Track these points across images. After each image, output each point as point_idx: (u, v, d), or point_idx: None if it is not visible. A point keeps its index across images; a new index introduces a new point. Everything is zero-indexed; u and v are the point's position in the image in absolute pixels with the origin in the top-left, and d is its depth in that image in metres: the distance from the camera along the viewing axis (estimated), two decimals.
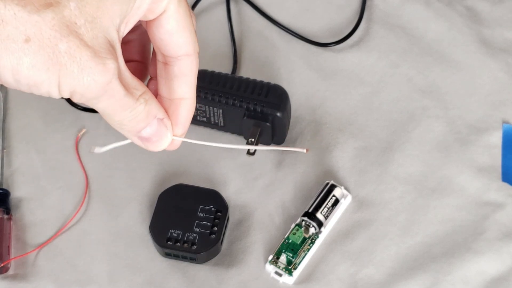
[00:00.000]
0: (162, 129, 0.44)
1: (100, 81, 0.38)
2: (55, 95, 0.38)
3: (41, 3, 0.36)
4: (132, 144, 0.71)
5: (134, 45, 0.46)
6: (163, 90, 0.45)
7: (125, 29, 0.40)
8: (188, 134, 0.71)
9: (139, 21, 0.42)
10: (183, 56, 0.43)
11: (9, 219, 0.66)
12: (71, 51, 0.36)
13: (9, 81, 0.37)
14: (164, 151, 0.71)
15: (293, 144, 0.70)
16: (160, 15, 0.41)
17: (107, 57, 0.38)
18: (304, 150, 0.50)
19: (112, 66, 0.38)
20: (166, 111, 0.45)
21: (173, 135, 0.45)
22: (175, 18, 0.41)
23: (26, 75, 0.36)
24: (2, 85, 0.74)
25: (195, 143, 0.49)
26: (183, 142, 0.47)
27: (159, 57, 0.44)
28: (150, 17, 0.41)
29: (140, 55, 0.47)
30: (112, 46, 0.38)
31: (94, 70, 0.37)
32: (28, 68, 0.36)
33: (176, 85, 0.44)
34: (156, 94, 0.46)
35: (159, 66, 0.44)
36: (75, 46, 0.36)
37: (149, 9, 0.41)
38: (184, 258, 0.64)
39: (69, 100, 0.73)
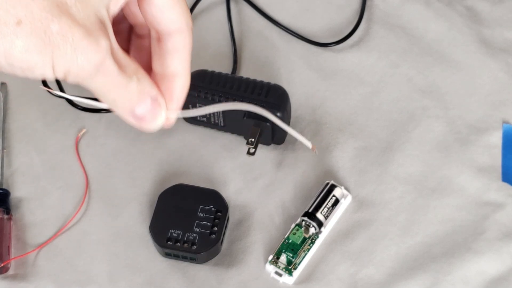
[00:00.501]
0: (155, 107, 0.43)
1: (94, 59, 0.37)
2: (50, 77, 0.38)
3: None
4: (132, 144, 0.71)
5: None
6: (156, 66, 0.44)
7: (115, 8, 0.40)
8: (188, 134, 0.71)
9: None
10: (176, 32, 0.43)
11: (9, 219, 0.66)
12: (63, 31, 0.36)
13: (3, 64, 0.36)
14: (163, 151, 0.71)
15: (293, 145, 0.70)
16: None
17: (99, 35, 0.37)
18: (310, 145, 0.50)
19: (105, 44, 0.38)
20: (159, 88, 0.44)
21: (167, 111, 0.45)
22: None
23: (20, 58, 0.36)
24: (2, 85, 0.74)
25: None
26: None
27: (152, 34, 0.44)
28: None
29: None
30: (103, 24, 0.38)
31: (87, 49, 0.37)
32: (21, 51, 0.36)
33: (170, 61, 0.44)
34: (149, 70, 0.45)
35: (153, 42, 0.44)
36: (67, 26, 0.36)
37: None
38: (184, 258, 0.64)
39: (69, 100, 0.73)
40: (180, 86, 0.45)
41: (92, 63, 0.37)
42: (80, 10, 0.37)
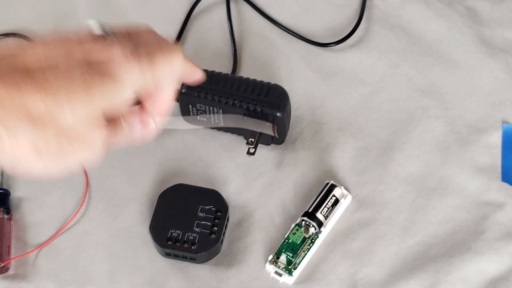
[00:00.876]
0: (145, 127, 0.47)
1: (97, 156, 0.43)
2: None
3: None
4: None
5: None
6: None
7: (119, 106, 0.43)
8: (188, 134, 0.71)
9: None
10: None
11: (10, 219, 0.66)
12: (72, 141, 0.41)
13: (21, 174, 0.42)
14: (163, 151, 0.71)
15: (293, 145, 0.70)
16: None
17: (93, 130, 0.41)
18: (270, 126, 0.51)
19: (98, 137, 0.42)
20: (148, 100, 0.47)
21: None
22: (167, 96, 0.46)
23: (36, 173, 0.41)
24: None
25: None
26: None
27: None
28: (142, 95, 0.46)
29: None
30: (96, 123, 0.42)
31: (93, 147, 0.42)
32: (38, 170, 0.41)
33: (155, 103, 0.47)
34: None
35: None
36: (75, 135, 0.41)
37: (134, 94, 0.44)
38: (184, 258, 0.64)
39: None
40: (167, 102, 0.48)
41: (99, 153, 0.43)
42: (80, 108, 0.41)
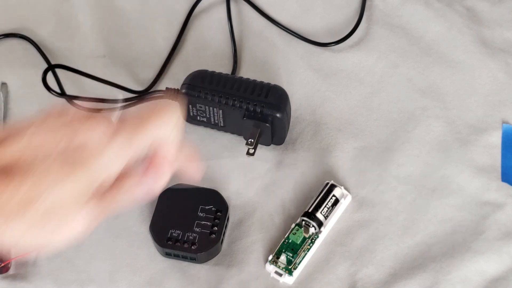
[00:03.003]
0: (153, 179, 0.47)
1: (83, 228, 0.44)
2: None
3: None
4: None
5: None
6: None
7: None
8: (188, 134, 0.71)
9: None
10: None
11: None
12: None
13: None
14: None
15: (293, 145, 0.70)
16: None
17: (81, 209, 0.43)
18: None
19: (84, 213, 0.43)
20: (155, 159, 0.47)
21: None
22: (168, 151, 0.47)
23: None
24: (2, 85, 0.74)
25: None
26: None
27: None
28: None
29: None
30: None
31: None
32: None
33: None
34: None
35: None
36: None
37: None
38: (184, 258, 0.64)
39: (69, 100, 0.73)
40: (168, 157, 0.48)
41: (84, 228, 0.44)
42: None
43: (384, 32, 0.77)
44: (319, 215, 0.64)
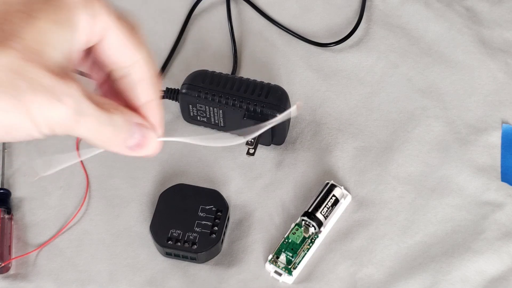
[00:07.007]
0: (145, 131, 0.45)
1: (69, 103, 0.39)
2: (37, 134, 0.39)
3: None
4: None
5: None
6: (130, 102, 0.46)
7: (72, 55, 0.41)
8: (188, 134, 0.71)
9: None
10: (134, 64, 0.44)
11: (10, 219, 0.66)
12: (32, 86, 0.37)
13: None
14: (164, 151, 0.71)
15: (293, 145, 0.70)
16: (104, 36, 0.43)
17: (67, 80, 0.39)
18: (295, 108, 0.50)
19: (75, 86, 0.39)
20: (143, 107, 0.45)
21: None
22: (117, 35, 0.43)
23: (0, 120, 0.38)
24: None
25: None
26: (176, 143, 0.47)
27: (115, 73, 0.45)
28: (95, 40, 0.43)
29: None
30: (66, 72, 0.39)
31: (60, 94, 0.38)
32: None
33: (139, 91, 0.45)
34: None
35: (118, 83, 0.45)
36: (34, 80, 0.38)
37: (90, 36, 0.42)
38: (184, 258, 0.64)
39: None
40: (157, 109, 0.46)
41: (69, 107, 0.39)
42: (42, 62, 0.38)
43: (384, 32, 0.77)
44: (319, 215, 0.65)
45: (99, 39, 0.42)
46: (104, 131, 0.42)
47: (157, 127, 0.46)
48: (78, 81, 0.39)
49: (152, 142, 0.45)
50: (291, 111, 0.51)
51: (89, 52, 0.44)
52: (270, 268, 0.64)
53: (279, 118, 0.51)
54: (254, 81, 0.69)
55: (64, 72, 0.39)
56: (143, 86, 0.45)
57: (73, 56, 0.41)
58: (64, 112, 0.38)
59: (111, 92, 0.46)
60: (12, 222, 0.67)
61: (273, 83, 0.69)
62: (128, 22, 0.44)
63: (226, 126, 0.70)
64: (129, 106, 0.45)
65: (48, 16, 0.39)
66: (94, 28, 0.41)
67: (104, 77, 0.46)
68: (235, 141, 0.49)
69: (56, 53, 0.39)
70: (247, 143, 0.67)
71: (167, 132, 0.71)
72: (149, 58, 0.45)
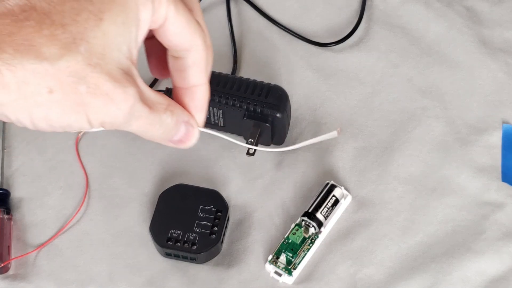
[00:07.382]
0: (190, 129, 0.46)
1: (124, 108, 0.40)
2: (88, 129, 0.41)
3: (54, 55, 0.38)
4: (132, 144, 0.71)
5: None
6: (177, 81, 0.47)
7: (134, 52, 0.42)
8: None
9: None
10: (193, 49, 0.45)
11: (10, 219, 0.66)
12: (91, 90, 0.39)
13: (44, 127, 0.40)
14: (164, 151, 0.71)
15: (293, 143, 0.70)
16: (163, 23, 0.43)
17: (125, 85, 0.40)
18: (336, 133, 0.52)
19: (132, 92, 0.41)
20: (183, 101, 0.47)
21: (198, 126, 0.48)
22: (176, 22, 0.43)
23: (58, 120, 0.40)
24: None
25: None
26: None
27: (171, 53, 0.46)
28: (154, 27, 0.44)
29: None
30: (127, 73, 0.41)
31: (116, 100, 0.40)
32: (57, 115, 0.40)
33: (191, 74, 0.46)
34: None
35: (172, 60, 0.46)
36: (94, 85, 0.39)
37: (150, 26, 0.43)
38: (184, 258, 0.64)
39: None
40: (203, 94, 0.47)
41: (124, 111, 0.41)
42: (103, 67, 0.40)
43: (384, 32, 0.77)
44: (319, 215, 0.65)
45: (159, 26, 0.43)
46: (153, 130, 0.44)
47: (199, 111, 0.47)
48: (134, 83, 0.41)
49: (193, 137, 0.47)
50: (331, 135, 0.52)
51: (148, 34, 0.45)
52: (270, 268, 0.64)
53: (319, 139, 0.53)
54: (254, 81, 0.69)
55: (124, 74, 0.40)
56: (196, 69, 0.46)
57: (135, 52, 0.42)
58: (117, 116, 0.41)
59: (162, 63, 0.48)
60: (12, 222, 0.67)
61: (273, 83, 0.69)
62: (188, 5, 0.45)
63: (226, 126, 0.70)
64: (175, 83, 0.47)
65: (114, 17, 0.40)
66: (155, 18, 0.42)
67: (159, 52, 0.47)
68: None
69: (119, 54, 0.40)
70: (247, 143, 0.67)
71: None
72: (207, 43, 0.46)
